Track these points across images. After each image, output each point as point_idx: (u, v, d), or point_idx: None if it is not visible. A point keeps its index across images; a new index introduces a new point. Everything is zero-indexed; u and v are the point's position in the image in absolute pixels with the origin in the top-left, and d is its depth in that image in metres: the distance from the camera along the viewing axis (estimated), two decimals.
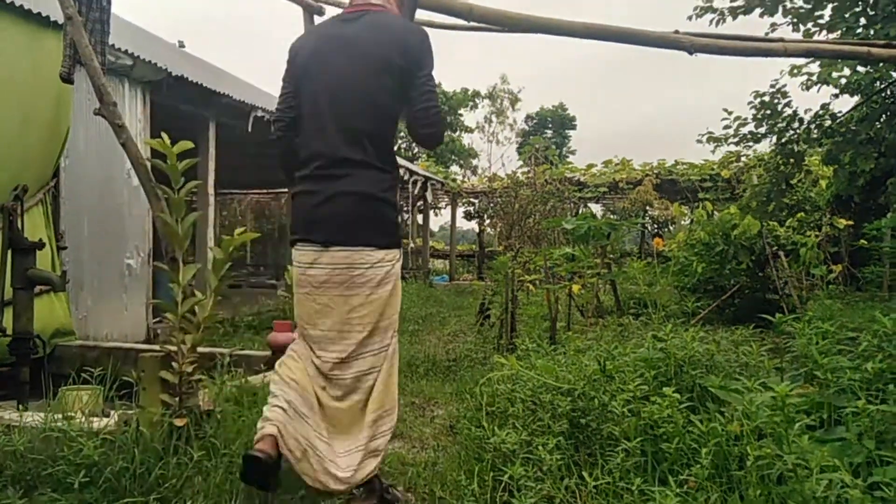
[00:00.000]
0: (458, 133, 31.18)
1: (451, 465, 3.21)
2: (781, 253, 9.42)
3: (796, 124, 6.98)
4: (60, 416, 2.90)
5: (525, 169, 24.42)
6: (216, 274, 3.11)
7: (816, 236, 9.07)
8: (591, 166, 17.97)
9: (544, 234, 9.28)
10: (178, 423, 2.86)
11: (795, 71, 6.47)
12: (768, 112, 6.89)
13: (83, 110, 5.82)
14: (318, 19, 5.13)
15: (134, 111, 6.84)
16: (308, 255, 2.69)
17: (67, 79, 3.98)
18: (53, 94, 5.40)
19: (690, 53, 4.40)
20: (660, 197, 15.89)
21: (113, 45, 6.20)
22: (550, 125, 39.16)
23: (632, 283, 9.50)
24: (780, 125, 6.92)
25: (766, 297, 9.71)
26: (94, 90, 3.08)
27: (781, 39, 5.07)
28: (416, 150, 26.84)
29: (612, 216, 17.07)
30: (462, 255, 21.79)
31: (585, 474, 2.35)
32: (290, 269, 9.41)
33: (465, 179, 20.73)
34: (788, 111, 7.00)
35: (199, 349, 3.12)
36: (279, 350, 5.35)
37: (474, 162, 33.36)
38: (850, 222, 10.67)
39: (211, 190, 8.12)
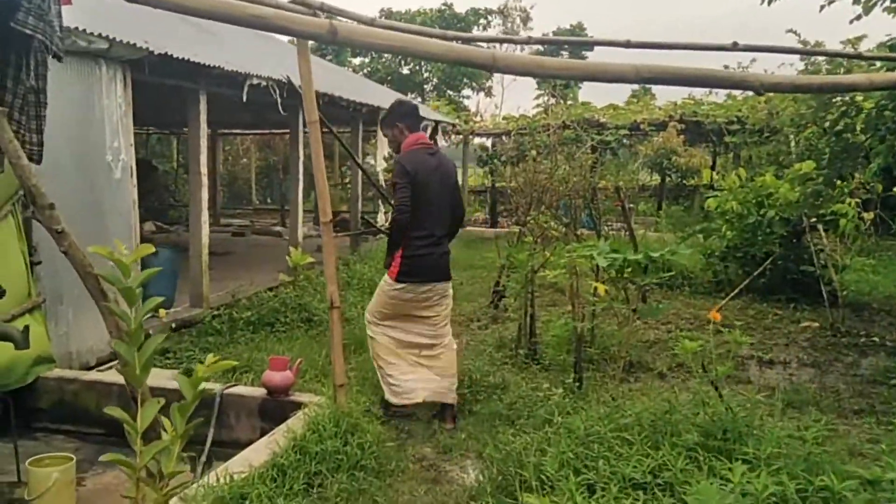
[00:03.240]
0: None
1: None
2: (820, 226, 8.74)
3: (853, 112, 6.19)
4: None
5: (542, 107, 23.35)
6: (182, 416, 2.55)
7: (853, 198, 8.32)
8: (611, 106, 17.03)
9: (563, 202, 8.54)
10: None
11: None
12: (824, 102, 6.09)
13: (52, 101, 5.06)
14: None
15: (112, 94, 6.10)
16: (423, 286, 4.80)
17: None
18: None
19: (760, 94, 3.74)
20: (685, 142, 14.97)
21: (84, 30, 5.47)
22: (566, 47, 37.43)
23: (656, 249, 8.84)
24: (832, 115, 6.13)
25: (801, 268, 9.08)
26: (25, 192, 2.47)
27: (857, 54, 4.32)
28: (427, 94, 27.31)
29: (633, 161, 16.23)
30: (474, 191, 21.00)
31: None
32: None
33: (479, 118, 19.52)
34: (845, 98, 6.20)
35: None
36: (275, 391, 4.84)
37: (487, 83, 32.30)
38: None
39: (203, 169, 7.43)
